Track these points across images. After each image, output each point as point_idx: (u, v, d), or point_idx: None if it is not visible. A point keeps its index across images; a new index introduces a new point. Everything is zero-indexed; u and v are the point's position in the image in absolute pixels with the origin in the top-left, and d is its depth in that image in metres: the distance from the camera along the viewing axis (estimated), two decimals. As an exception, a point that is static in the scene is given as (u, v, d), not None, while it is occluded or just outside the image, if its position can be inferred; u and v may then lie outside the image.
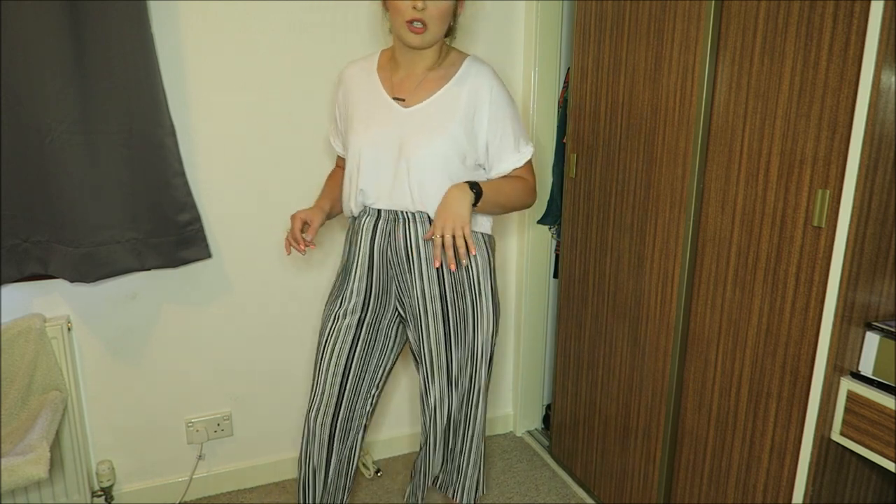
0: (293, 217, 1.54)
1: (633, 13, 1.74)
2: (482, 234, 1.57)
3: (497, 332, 1.63)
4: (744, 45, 1.43)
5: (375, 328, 1.61)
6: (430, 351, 1.59)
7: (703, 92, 1.53)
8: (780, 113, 1.37)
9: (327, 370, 1.60)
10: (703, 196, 1.59)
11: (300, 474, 1.68)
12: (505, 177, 1.56)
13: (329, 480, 1.68)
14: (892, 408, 1.23)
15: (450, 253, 1.40)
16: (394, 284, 1.56)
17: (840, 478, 1.43)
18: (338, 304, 1.60)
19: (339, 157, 1.76)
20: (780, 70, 1.36)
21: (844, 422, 1.33)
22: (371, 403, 1.67)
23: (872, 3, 1.15)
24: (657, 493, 1.82)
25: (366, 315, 1.59)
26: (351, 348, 1.59)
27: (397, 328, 1.64)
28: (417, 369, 1.67)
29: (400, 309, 1.60)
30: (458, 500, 1.76)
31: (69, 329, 1.83)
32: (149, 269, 1.84)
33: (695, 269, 1.64)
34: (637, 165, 1.78)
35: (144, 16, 1.65)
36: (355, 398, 1.63)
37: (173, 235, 1.82)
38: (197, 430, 2.08)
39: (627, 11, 1.76)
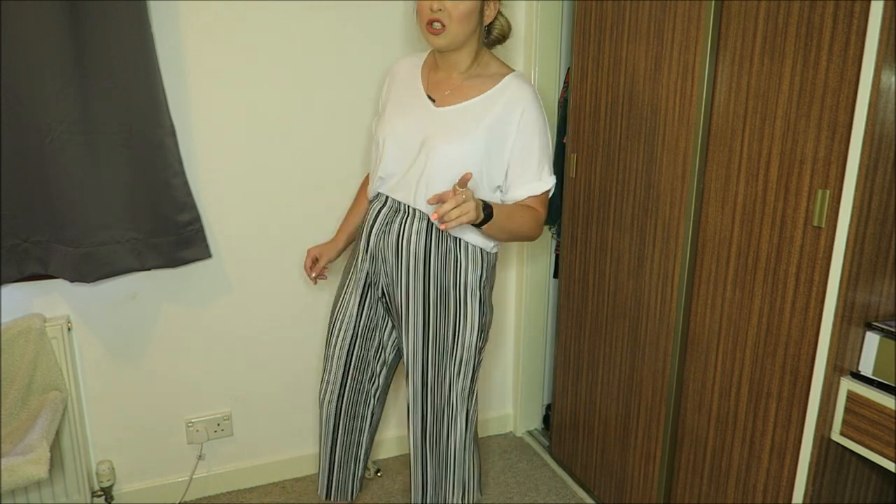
0: (308, 250, 1.76)
1: (633, 13, 1.74)
2: (481, 248, 1.54)
3: (484, 344, 1.60)
4: (744, 45, 1.44)
5: (375, 309, 1.64)
6: (408, 351, 1.58)
7: (703, 92, 1.53)
8: (780, 113, 1.37)
9: (335, 347, 1.66)
10: (703, 196, 1.59)
11: (318, 450, 1.78)
12: (519, 205, 1.50)
13: (337, 461, 1.74)
14: (892, 408, 1.23)
15: (438, 213, 1.28)
16: (382, 273, 1.57)
17: (840, 478, 1.43)
18: (346, 283, 1.65)
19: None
20: (780, 70, 1.36)
21: (844, 422, 1.33)
22: (376, 387, 1.69)
23: (872, 3, 1.15)
24: (657, 493, 1.82)
25: (367, 296, 1.62)
26: (355, 326, 1.63)
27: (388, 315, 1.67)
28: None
29: (386, 300, 1.61)
30: None
31: (69, 329, 1.83)
32: (149, 269, 1.84)
33: (695, 269, 1.64)
34: (637, 165, 1.78)
35: (144, 16, 1.65)
36: (360, 378, 1.67)
37: (173, 235, 1.82)
38: (197, 430, 2.08)
39: (627, 11, 1.76)
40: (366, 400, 1.72)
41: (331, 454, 1.76)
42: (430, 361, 1.57)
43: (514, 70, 1.53)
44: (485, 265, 1.55)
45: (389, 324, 1.67)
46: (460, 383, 1.58)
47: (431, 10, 1.38)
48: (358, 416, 1.73)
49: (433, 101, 1.51)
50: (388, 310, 1.64)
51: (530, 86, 1.49)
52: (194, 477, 2.12)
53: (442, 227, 1.28)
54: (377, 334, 1.67)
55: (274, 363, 2.14)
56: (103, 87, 1.66)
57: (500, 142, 1.46)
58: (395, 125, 1.53)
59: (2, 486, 1.42)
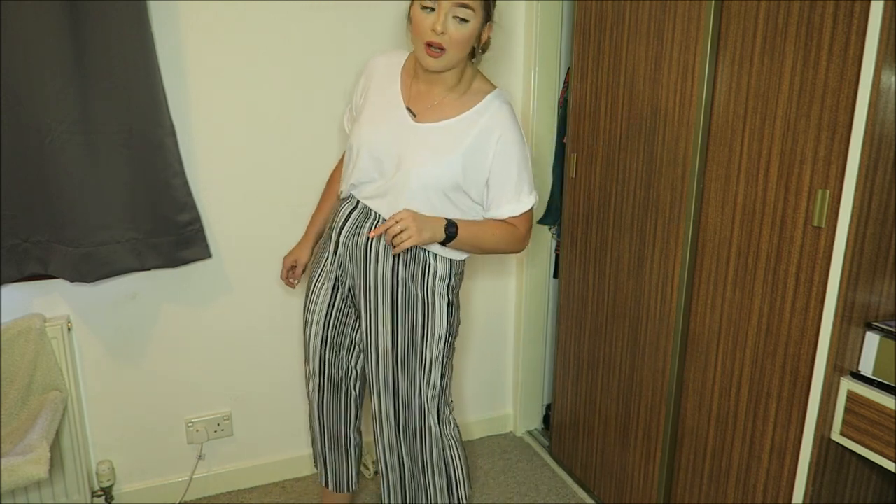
0: (283, 260, 1.79)
1: (633, 13, 1.74)
2: (450, 259, 1.56)
3: (452, 345, 1.62)
4: (744, 45, 1.44)
5: (344, 306, 1.64)
6: (377, 352, 1.58)
7: (703, 92, 1.53)
8: (780, 113, 1.37)
9: (310, 342, 1.69)
10: (703, 196, 1.59)
11: (311, 443, 1.85)
12: (494, 222, 1.53)
13: (329, 453, 1.78)
14: (892, 408, 1.23)
15: (386, 236, 1.43)
16: (350, 274, 1.58)
17: (840, 478, 1.43)
18: (316, 277, 1.66)
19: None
20: (780, 70, 1.36)
21: (844, 422, 1.33)
22: (353, 378, 1.71)
23: (872, 3, 1.15)
24: (657, 493, 1.82)
25: (336, 292, 1.63)
26: (325, 321, 1.66)
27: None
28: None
29: (353, 299, 1.61)
30: None
31: (69, 329, 1.83)
32: (149, 269, 1.84)
33: (695, 269, 1.64)
34: (637, 165, 1.78)
35: (144, 16, 1.65)
36: (336, 371, 1.70)
37: (173, 235, 1.82)
38: (197, 430, 2.08)
39: (627, 11, 1.76)
40: (346, 393, 1.74)
41: (322, 446, 1.79)
42: (399, 363, 1.57)
43: (495, 87, 1.52)
44: (453, 270, 1.57)
45: (356, 321, 1.67)
46: (430, 384, 1.60)
47: (434, 32, 1.34)
48: (341, 408, 1.75)
49: (413, 114, 1.48)
50: (355, 308, 1.64)
51: (509, 106, 1.49)
52: (194, 477, 2.12)
53: (394, 251, 1.41)
54: (347, 331, 1.68)
55: (274, 363, 2.14)
56: (103, 87, 1.66)
57: (478, 163, 1.46)
58: (371, 136, 1.49)
59: (2, 486, 1.42)
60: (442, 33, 1.34)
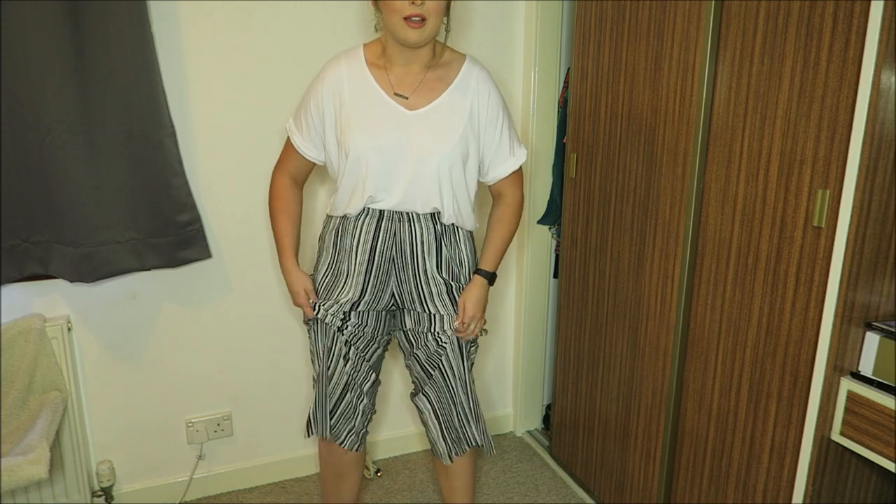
0: (297, 298, 1.63)
1: (633, 13, 1.74)
2: (471, 232, 1.63)
3: None
4: (744, 45, 1.44)
5: (366, 315, 1.60)
6: (441, 330, 1.60)
7: (703, 92, 1.53)
8: (780, 113, 1.37)
9: (328, 361, 1.62)
10: (703, 196, 1.59)
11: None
12: (498, 221, 1.62)
13: (341, 405, 1.66)
14: (892, 408, 1.23)
15: (467, 334, 1.61)
16: (393, 277, 1.57)
17: (840, 478, 1.43)
18: (331, 302, 1.58)
19: (289, 169, 1.62)
20: (780, 70, 1.36)
21: (844, 422, 1.33)
22: (372, 394, 1.68)
23: (872, 3, 1.15)
24: (657, 493, 1.82)
25: (359, 305, 1.58)
26: (347, 339, 1.60)
27: (388, 315, 1.64)
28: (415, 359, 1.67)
29: (397, 298, 1.60)
30: (482, 444, 1.72)
31: (69, 329, 1.83)
32: (149, 269, 1.84)
33: (695, 269, 1.64)
34: (637, 165, 1.78)
35: (144, 16, 1.65)
36: (356, 388, 1.65)
37: (173, 235, 1.83)
38: (197, 430, 2.08)
39: (627, 12, 1.76)
40: (364, 409, 1.68)
41: (331, 399, 1.67)
42: (455, 339, 1.61)
43: (464, 54, 1.55)
44: (473, 244, 1.66)
45: (384, 322, 1.64)
46: (474, 348, 1.69)
47: (413, 4, 1.35)
48: (357, 419, 1.69)
49: (400, 99, 1.48)
50: (397, 306, 1.61)
51: (486, 68, 1.56)
52: (194, 477, 2.12)
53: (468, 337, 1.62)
54: (368, 335, 1.62)
55: (274, 363, 2.14)
56: (103, 87, 1.66)
57: (476, 127, 1.52)
58: (375, 139, 1.46)
59: (2, 486, 1.42)
60: (421, 4, 1.36)
